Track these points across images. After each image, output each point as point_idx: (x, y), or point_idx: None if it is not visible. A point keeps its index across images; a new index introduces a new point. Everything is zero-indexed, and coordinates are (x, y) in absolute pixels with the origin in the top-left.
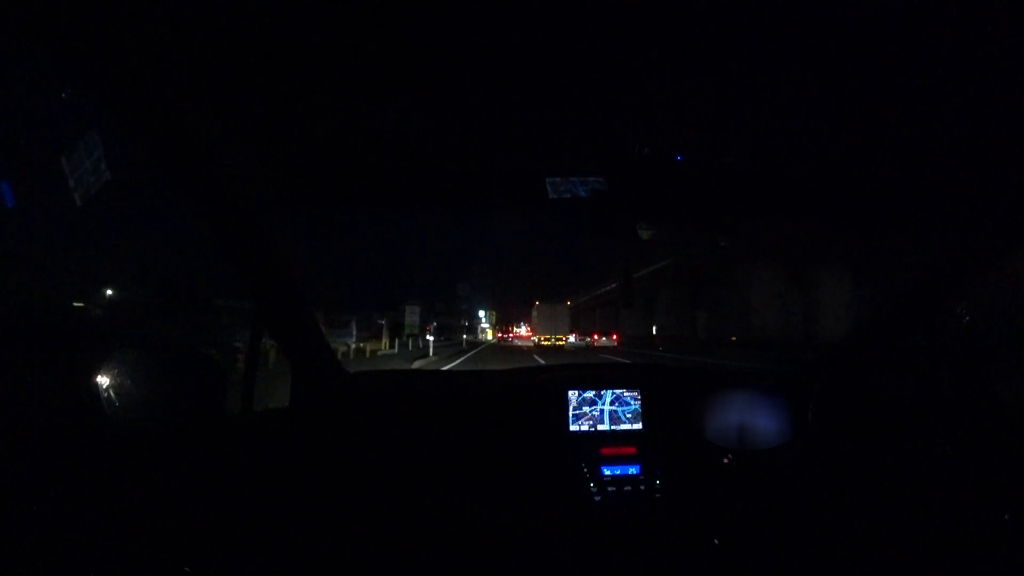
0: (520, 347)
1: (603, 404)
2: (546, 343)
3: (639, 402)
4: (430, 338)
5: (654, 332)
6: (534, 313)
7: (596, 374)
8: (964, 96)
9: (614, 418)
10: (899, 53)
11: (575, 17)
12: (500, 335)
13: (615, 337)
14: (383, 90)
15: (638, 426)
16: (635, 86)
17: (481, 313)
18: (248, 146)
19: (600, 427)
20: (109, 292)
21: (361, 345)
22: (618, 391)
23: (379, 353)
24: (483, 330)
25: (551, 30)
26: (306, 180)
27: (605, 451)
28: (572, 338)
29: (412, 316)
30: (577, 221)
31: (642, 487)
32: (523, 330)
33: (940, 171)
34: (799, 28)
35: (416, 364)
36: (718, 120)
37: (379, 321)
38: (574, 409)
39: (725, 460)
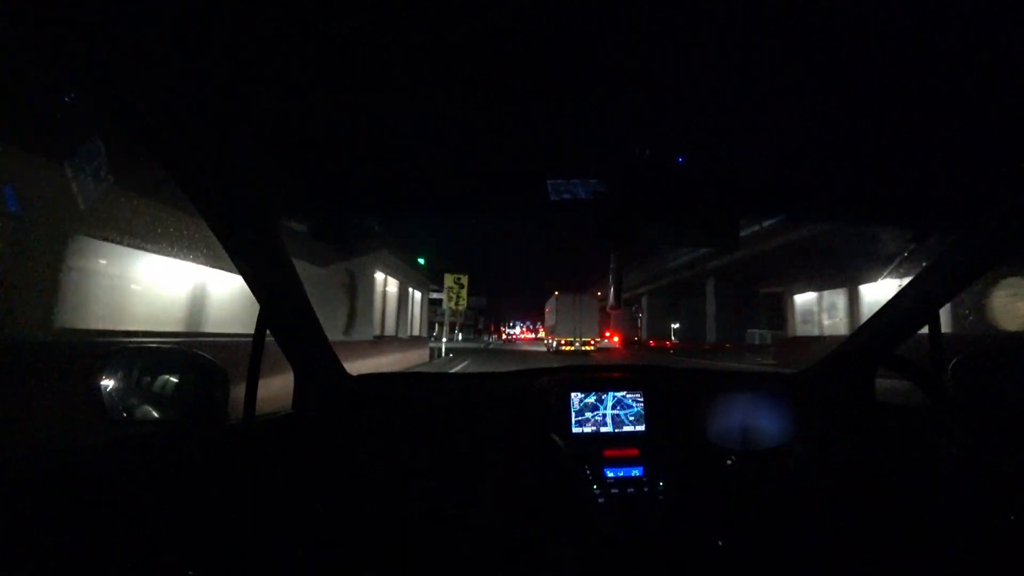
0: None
1: (606, 406)
2: (567, 348)
3: (641, 404)
4: None
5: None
6: (550, 307)
7: (598, 376)
8: (965, 96)
9: (617, 420)
10: (900, 53)
11: (577, 19)
12: (503, 336)
13: (617, 339)
14: (384, 94)
15: (641, 428)
16: (636, 87)
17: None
18: (252, 149)
19: (603, 429)
20: None
21: None
22: (620, 393)
23: None
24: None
25: (552, 32)
26: (308, 183)
27: (608, 453)
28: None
29: None
30: (578, 223)
31: (645, 489)
32: (518, 330)
33: (941, 171)
34: (801, 28)
35: None
36: (720, 121)
37: None
38: (577, 411)
39: (728, 461)
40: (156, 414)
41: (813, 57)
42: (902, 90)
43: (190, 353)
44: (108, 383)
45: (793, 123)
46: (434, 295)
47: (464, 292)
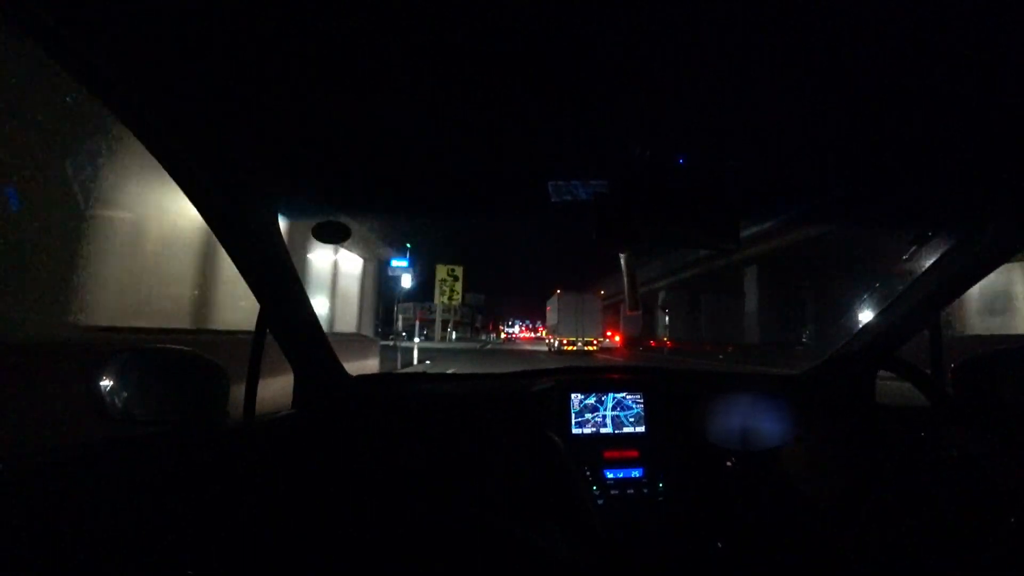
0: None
1: (606, 408)
2: (569, 348)
3: (641, 405)
4: None
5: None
6: (552, 306)
7: (599, 378)
8: (966, 96)
9: (617, 422)
10: (900, 54)
11: (577, 20)
12: (502, 334)
13: (618, 338)
14: (385, 94)
15: (641, 429)
16: (636, 88)
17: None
18: (252, 148)
19: (603, 431)
20: None
21: None
22: (620, 395)
23: None
24: None
25: (552, 33)
26: (310, 183)
27: (608, 454)
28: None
29: None
30: (579, 223)
31: (645, 490)
32: (517, 329)
33: (941, 173)
34: (801, 28)
35: None
36: (720, 121)
37: None
38: (577, 413)
39: (728, 463)
40: (156, 414)
41: (813, 57)
42: (903, 91)
43: (190, 353)
44: (108, 383)
45: (793, 124)
46: (396, 265)
47: (458, 285)
